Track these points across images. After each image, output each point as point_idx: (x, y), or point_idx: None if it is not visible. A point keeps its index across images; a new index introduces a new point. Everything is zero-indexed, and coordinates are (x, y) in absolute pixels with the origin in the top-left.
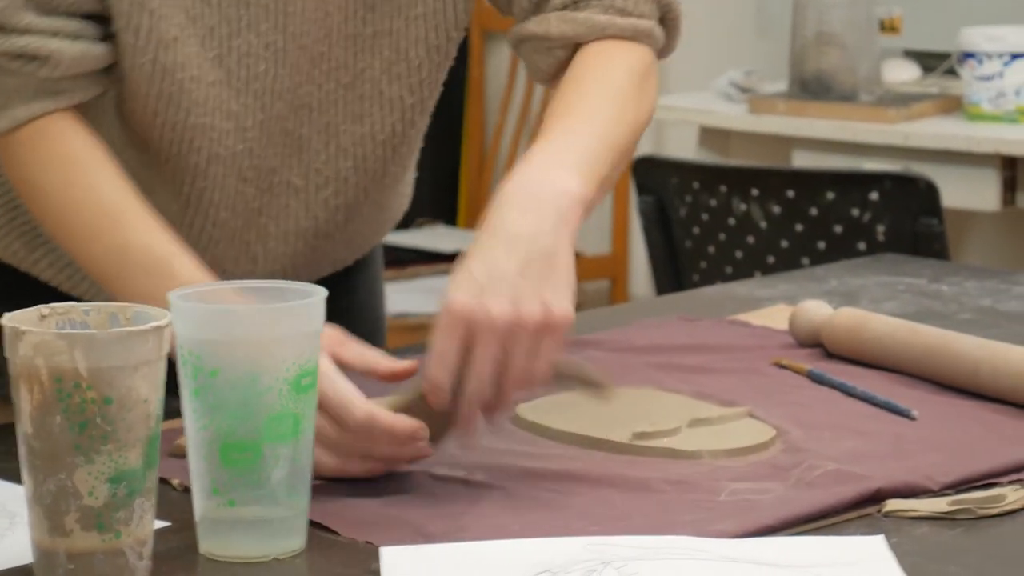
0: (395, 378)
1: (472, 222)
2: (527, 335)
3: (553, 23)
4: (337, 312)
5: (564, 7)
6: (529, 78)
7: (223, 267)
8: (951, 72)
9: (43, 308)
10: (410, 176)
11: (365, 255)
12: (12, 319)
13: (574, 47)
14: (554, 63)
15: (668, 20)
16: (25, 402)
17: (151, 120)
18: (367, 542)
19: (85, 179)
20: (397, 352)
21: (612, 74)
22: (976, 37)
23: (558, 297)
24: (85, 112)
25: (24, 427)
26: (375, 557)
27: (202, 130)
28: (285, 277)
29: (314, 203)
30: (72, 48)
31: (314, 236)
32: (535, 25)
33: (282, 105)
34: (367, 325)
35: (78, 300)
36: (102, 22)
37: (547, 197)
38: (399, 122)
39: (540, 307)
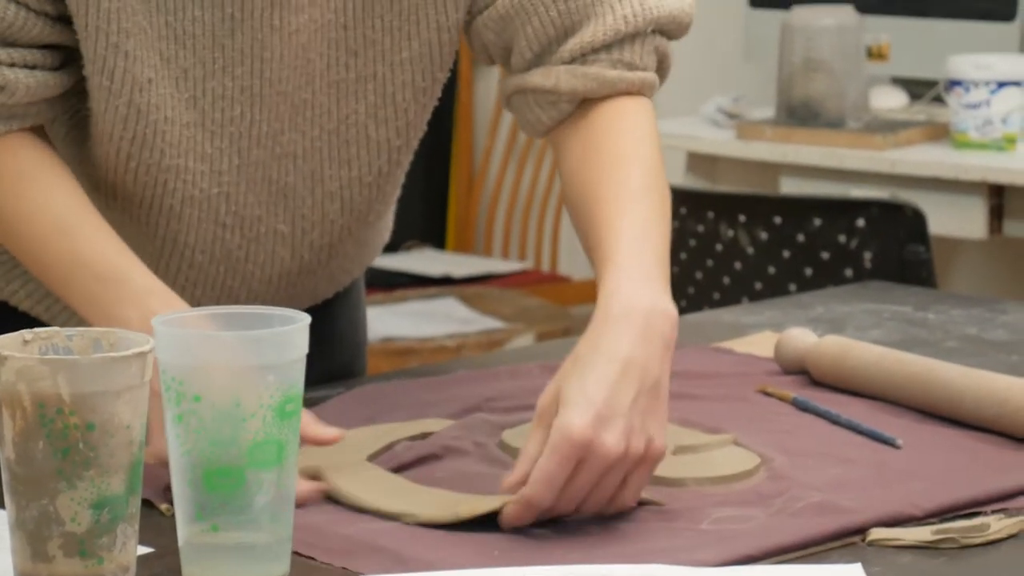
0: (322, 444)
1: (459, 245)
2: (626, 467)
3: (562, 78)
4: (316, 341)
5: (572, 60)
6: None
7: (201, 305)
8: (938, 100)
9: (26, 333)
10: (392, 211)
11: (346, 287)
12: None
13: (580, 102)
14: (556, 116)
15: (661, 69)
16: (8, 428)
17: (124, 164)
18: (344, 568)
19: (37, 192)
20: (382, 377)
21: (643, 148)
22: (963, 65)
23: (659, 431)
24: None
25: (7, 452)
26: None
27: (176, 172)
28: None
29: (300, 246)
30: (28, 78)
31: (297, 275)
32: (541, 78)
33: (262, 152)
34: (346, 354)
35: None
36: (60, 50)
37: (653, 322)
38: (386, 163)
39: (644, 442)
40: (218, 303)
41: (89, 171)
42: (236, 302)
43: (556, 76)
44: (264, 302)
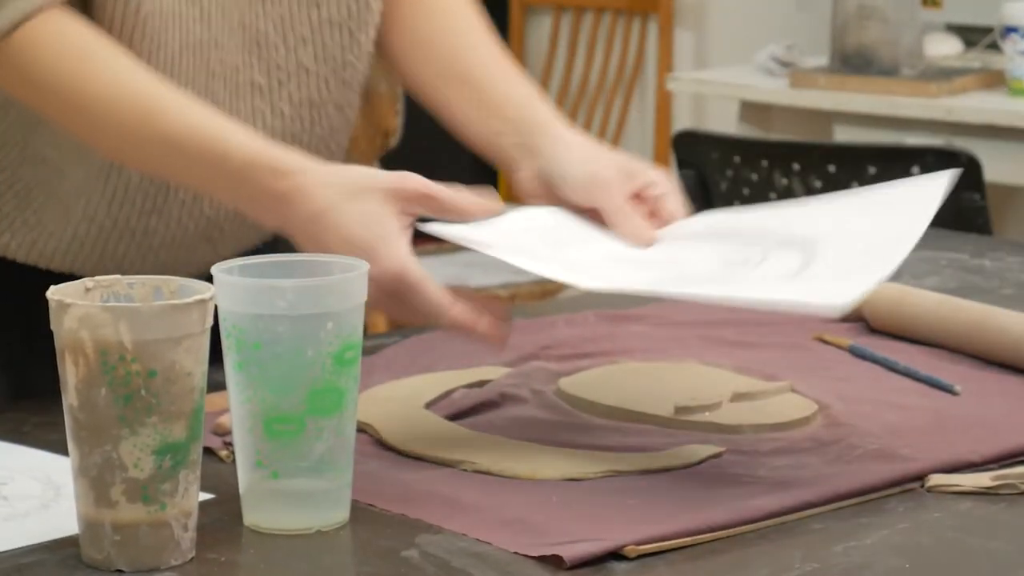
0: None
1: (511, 196)
2: None
3: None
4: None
5: None
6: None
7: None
8: (993, 46)
9: (88, 281)
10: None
11: None
12: (57, 292)
13: None
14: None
15: None
16: (70, 374)
17: (123, 8)
18: (403, 515)
19: (105, 70)
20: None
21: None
22: (1018, 11)
23: None
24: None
25: (70, 399)
26: (419, 530)
27: (172, 18)
28: None
29: (278, 100)
30: None
31: (282, 137)
32: None
33: None
34: None
35: (56, 275)
36: None
37: None
38: (354, 3)
39: None
40: None
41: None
42: None
43: None
44: None
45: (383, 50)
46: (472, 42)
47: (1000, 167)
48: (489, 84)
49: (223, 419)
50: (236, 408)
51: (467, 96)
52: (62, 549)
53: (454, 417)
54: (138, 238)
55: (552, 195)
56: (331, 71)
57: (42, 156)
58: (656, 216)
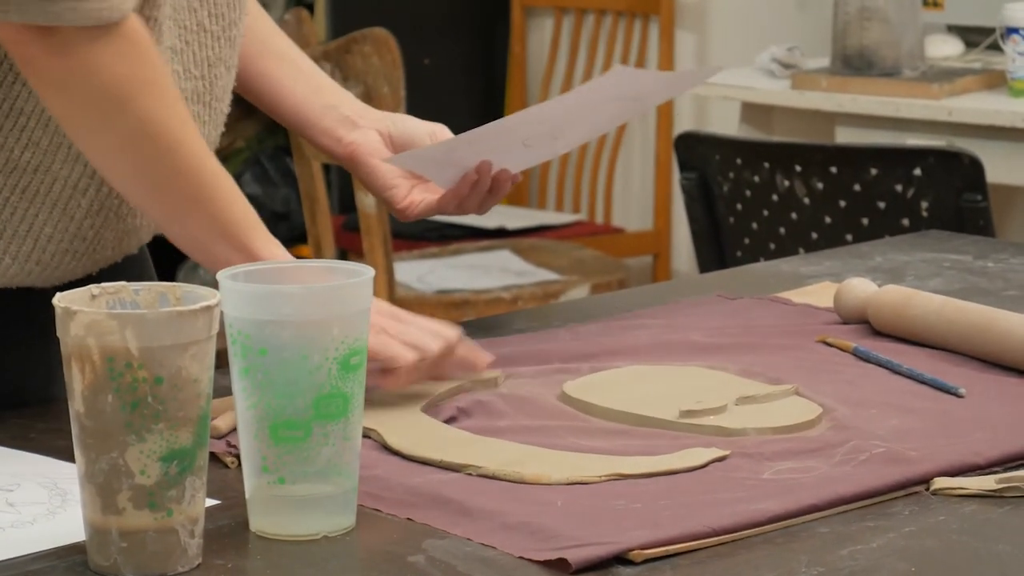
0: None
1: (513, 198)
2: None
3: None
4: None
5: None
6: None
7: None
8: (994, 47)
9: (93, 288)
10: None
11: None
12: (63, 299)
13: None
14: None
15: None
16: (77, 381)
17: None
18: (409, 520)
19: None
20: None
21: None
22: (1019, 12)
23: None
24: None
25: (76, 406)
26: (425, 535)
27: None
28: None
29: (188, 61)
30: None
31: (189, 98)
32: None
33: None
34: None
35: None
36: None
37: None
38: None
39: None
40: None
41: None
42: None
43: None
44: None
45: None
46: (277, 29)
47: (1002, 168)
48: (305, 65)
49: (217, 422)
50: (242, 414)
51: (287, 71)
52: (69, 556)
53: (459, 421)
54: (127, 221)
55: (400, 149)
56: (222, 30)
57: (14, 163)
58: None
